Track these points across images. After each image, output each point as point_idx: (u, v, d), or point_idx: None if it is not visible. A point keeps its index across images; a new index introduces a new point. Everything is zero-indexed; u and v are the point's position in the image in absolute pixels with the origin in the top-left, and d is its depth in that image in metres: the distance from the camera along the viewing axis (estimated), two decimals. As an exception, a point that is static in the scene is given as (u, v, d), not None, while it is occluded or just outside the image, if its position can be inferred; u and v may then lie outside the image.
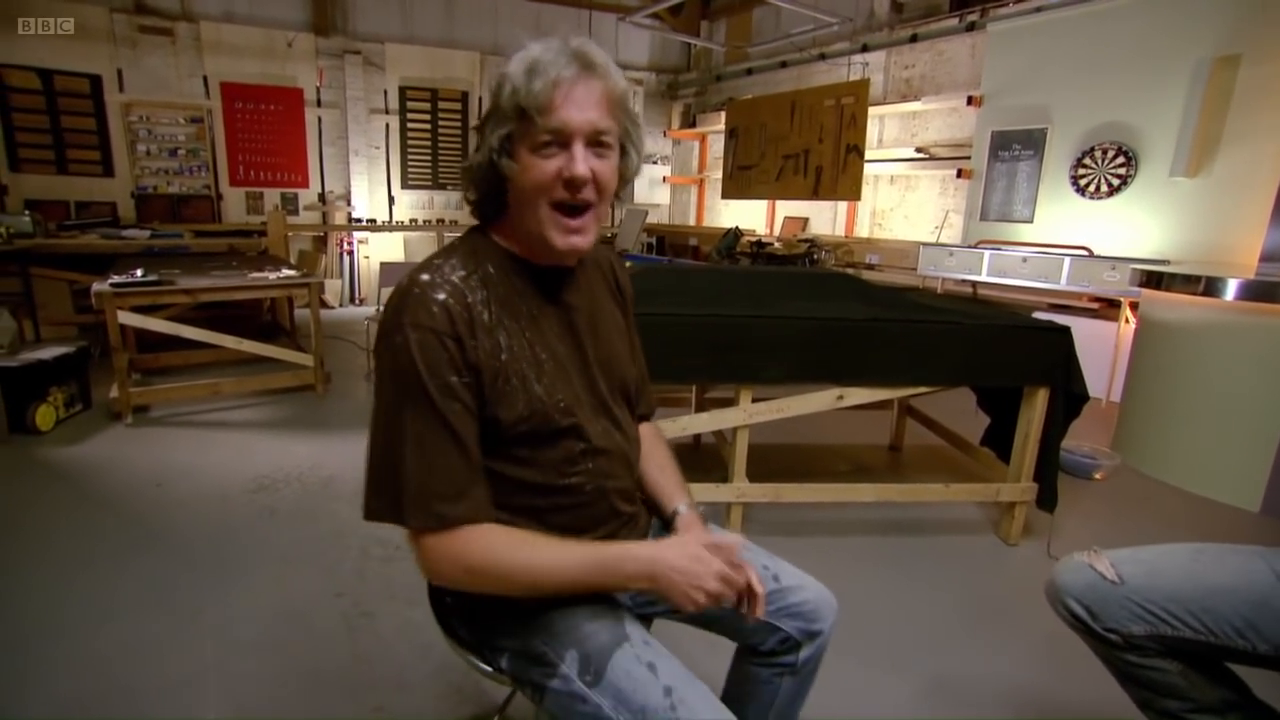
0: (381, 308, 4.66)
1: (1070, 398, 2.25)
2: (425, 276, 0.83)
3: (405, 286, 0.83)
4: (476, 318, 0.83)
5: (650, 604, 1.03)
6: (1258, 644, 0.95)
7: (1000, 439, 2.49)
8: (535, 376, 0.86)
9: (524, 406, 0.85)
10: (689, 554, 0.81)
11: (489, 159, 0.83)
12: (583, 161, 0.80)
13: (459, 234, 0.94)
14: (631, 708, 0.80)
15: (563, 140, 0.80)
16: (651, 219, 7.95)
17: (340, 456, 2.96)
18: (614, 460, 0.95)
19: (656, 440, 1.13)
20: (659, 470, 1.08)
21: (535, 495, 0.90)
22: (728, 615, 0.96)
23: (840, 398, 2.20)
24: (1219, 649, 0.98)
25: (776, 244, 6.42)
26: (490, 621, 0.92)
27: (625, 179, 0.90)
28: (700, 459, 3.16)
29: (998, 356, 2.21)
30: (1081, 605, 1.07)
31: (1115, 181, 4.37)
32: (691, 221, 8.75)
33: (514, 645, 0.90)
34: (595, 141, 0.82)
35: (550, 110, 0.78)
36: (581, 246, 0.85)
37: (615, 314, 1.03)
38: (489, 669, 0.96)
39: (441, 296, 0.81)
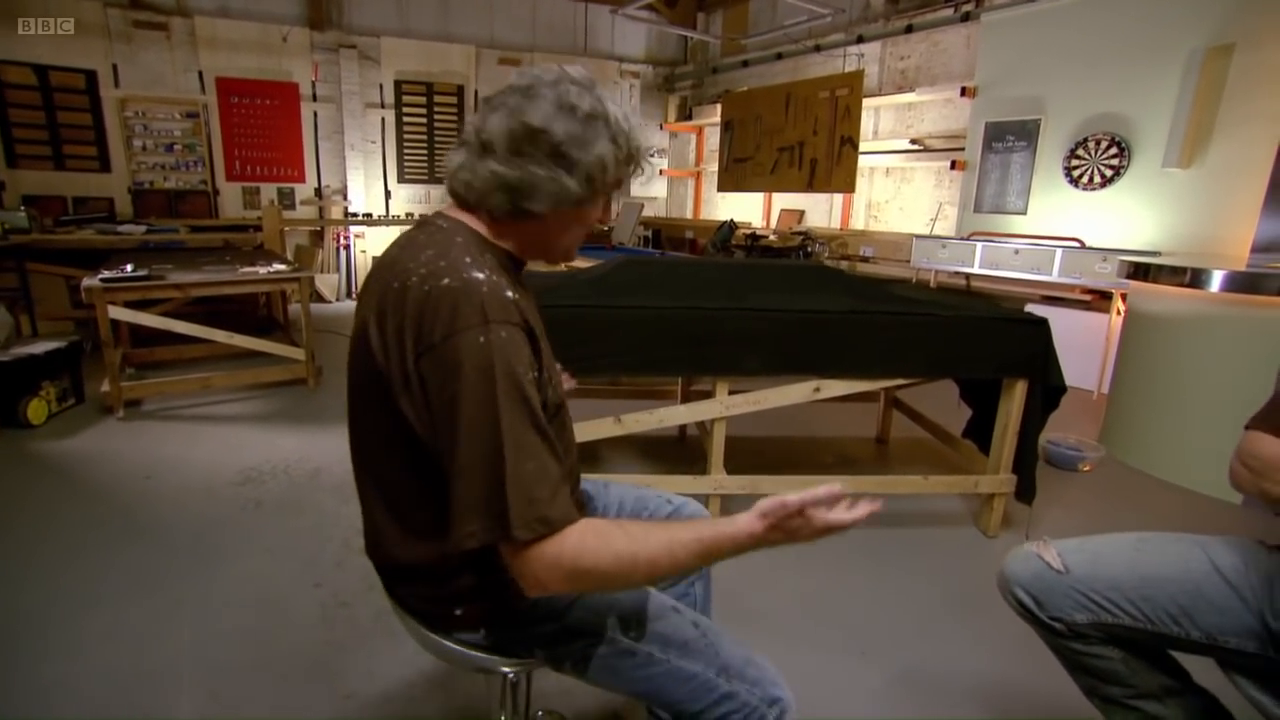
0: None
1: (1048, 390, 2.26)
2: (479, 275, 0.80)
3: (466, 285, 0.79)
4: (528, 312, 0.86)
5: None
6: (1190, 631, 0.96)
7: (982, 431, 2.49)
8: (549, 371, 0.92)
9: (551, 392, 0.90)
10: (769, 524, 0.78)
11: (579, 190, 0.87)
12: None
13: (434, 228, 0.93)
14: (676, 645, 0.93)
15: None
16: (648, 212, 7.95)
17: (328, 449, 2.99)
18: (570, 424, 1.06)
19: None
20: None
21: None
22: None
23: (817, 389, 2.21)
24: (1157, 635, 0.99)
25: (771, 237, 6.42)
26: (518, 617, 0.95)
27: None
28: (685, 452, 3.17)
29: (975, 349, 2.21)
30: (1028, 594, 1.09)
31: (1108, 172, 4.35)
32: (689, 214, 8.74)
33: (549, 629, 0.94)
34: None
35: (624, 182, 0.94)
36: None
37: None
38: (491, 659, 0.99)
39: (511, 295, 0.81)
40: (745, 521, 0.78)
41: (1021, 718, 1.57)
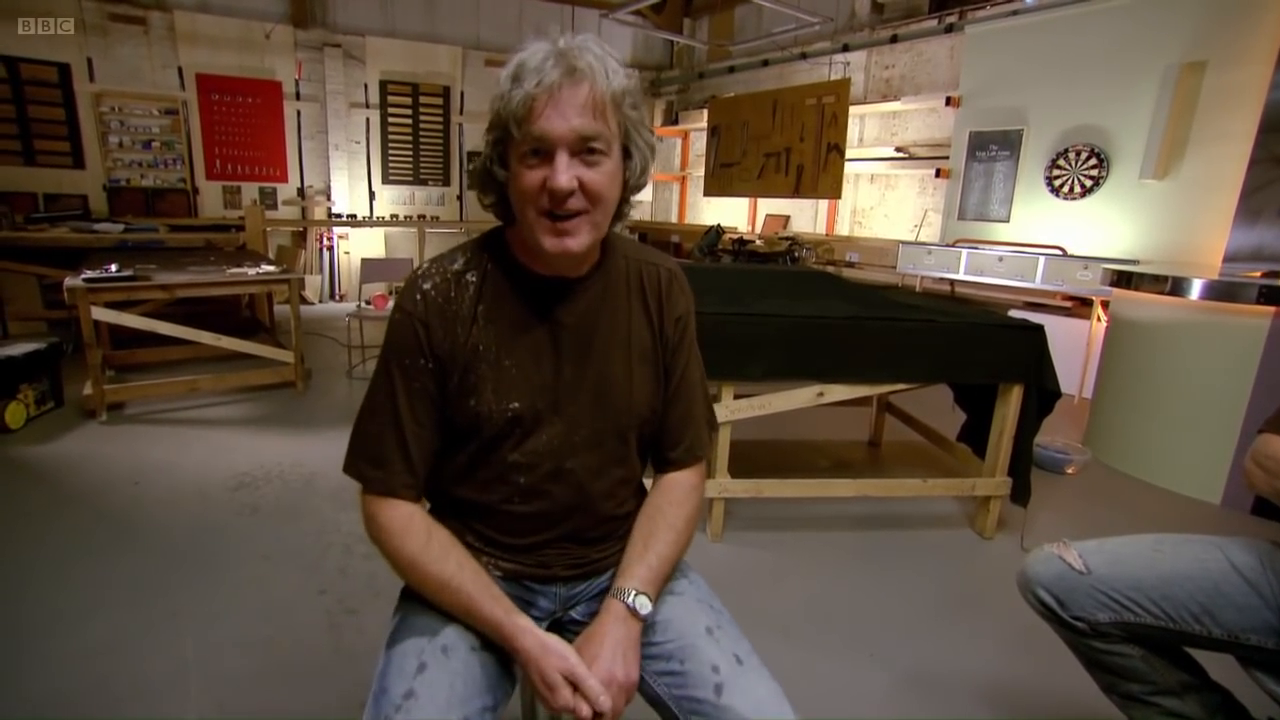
0: (363, 304, 4.57)
1: (1043, 394, 2.31)
2: (426, 266, 0.90)
3: (412, 272, 0.91)
4: (454, 309, 0.87)
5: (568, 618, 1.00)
6: (1212, 629, 1.00)
7: (976, 435, 2.54)
8: (494, 380, 0.87)
9: (478, 403, 0.86)
10: (545, 680, 0.80)
11: (485, 165, 0.84)
12: (564, 173, 0.76)
13: (461, 232, 0.96)
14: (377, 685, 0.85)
15: (545, 150, 0.77)
16: (634, 216, 7.94)
17: (322, 454, 2.94)
18: (559, 484, 0.90)
19: (671, 501, 0.96)
20: (642, 535, 0.93)
21: (473, 490, 0.92)
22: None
23: (820, 394, 2.24)
24: (1178, 634, 1.03)
25: (758, 242, 6.47)
26: None
27: (631, 185, 0.86)
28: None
29: (973, 354, 2.26)
30: (1051, 595, 1.11)
31: (1088, 183, 4.48)
32: (674, 219, 8.77)
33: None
34: (584, 149, 0.78)
35: (531, 120, 0.76)
36: (572, 249, 0.81)
37: (639, 337, 0.93)
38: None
39: (427, 286, 0.88)
40: (527, 640, 0.81)
41: (1026, 714, 1.61)
